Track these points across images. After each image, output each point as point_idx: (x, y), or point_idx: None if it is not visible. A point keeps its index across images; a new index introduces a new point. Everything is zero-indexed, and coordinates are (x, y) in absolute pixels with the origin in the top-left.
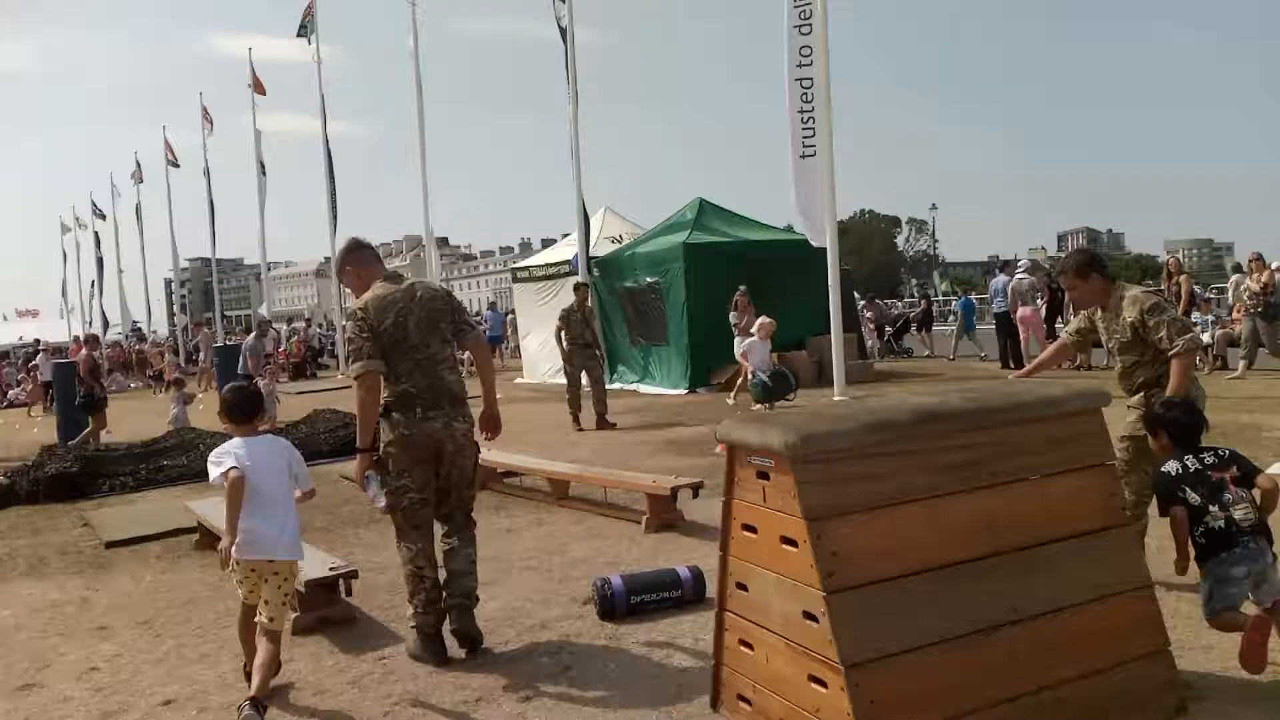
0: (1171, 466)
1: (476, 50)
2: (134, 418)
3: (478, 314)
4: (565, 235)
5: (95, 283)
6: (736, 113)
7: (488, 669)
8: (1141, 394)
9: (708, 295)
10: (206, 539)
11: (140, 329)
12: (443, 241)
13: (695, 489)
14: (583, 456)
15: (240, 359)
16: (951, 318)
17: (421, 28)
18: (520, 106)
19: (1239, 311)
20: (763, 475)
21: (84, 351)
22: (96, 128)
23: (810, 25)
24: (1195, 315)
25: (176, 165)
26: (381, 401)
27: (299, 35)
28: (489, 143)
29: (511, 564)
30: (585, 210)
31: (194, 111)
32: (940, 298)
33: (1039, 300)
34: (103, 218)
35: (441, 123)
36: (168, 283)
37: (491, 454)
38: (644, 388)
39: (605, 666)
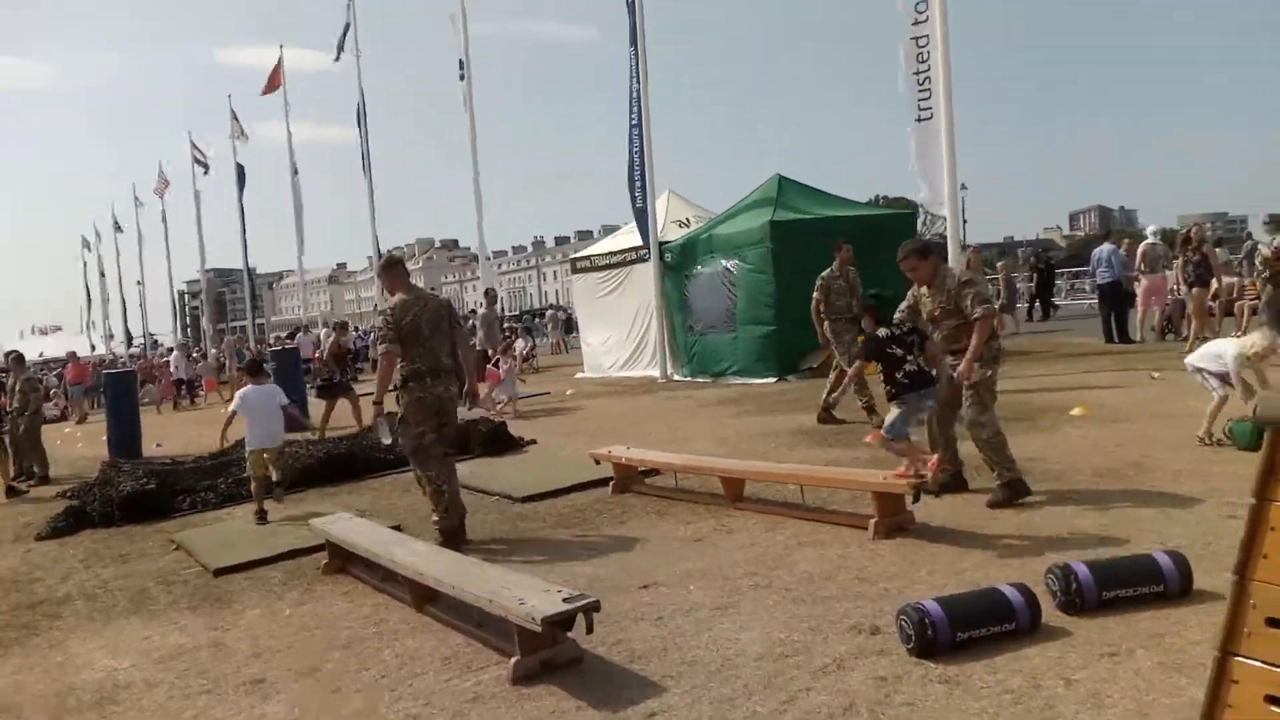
0: (883, 332)
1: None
2: (183, 428)
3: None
4: (607, 228)
5: (114, 297)
6: (801, 84)
7: None
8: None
9: (797, 277)
10: (339, 560)
11: (157, 341)
12: (452, 243)
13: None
14: (710, 450)
15: (476, 331)
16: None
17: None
18: (507, 111)
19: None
20: None
21: (334, 337)
22: (116, 146)
23: None
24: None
25: (206, 169)
26: (401, 374)
27: (338, 58)
28: (500, 146)
29: (736, 582)
30: (652, 192)
31: (206, 126)
32: None
33: (1166, 270)
34: (120, 231)
35: (434, 126)
36: (181, 295)
37: (631, 452)
38: (725, 378)
39: None
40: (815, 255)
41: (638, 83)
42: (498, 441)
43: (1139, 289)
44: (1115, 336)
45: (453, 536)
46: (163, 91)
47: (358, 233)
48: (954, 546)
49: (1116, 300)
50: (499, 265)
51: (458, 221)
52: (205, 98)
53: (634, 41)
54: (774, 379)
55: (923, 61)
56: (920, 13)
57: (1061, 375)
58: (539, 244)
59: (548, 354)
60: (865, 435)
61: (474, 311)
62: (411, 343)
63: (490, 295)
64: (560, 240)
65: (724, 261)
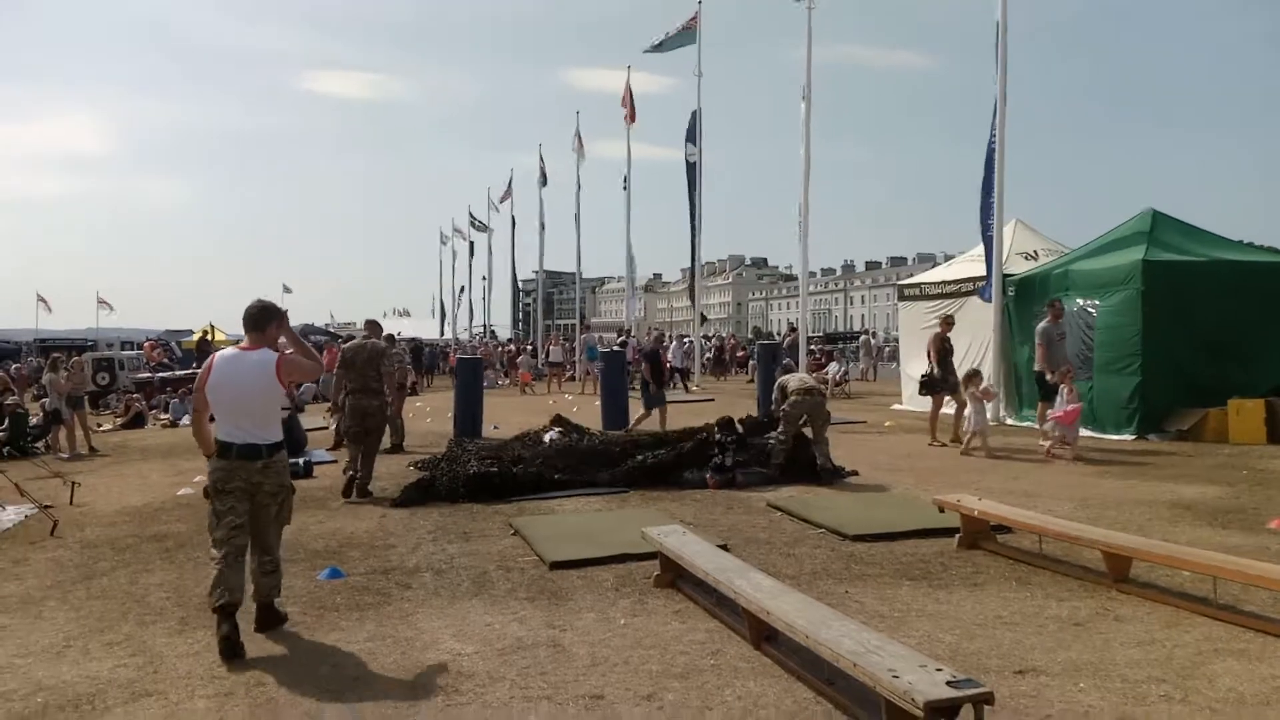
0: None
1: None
2: (516, 415)
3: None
4: (950, 256)
5: (465, 288)
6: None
7: None
8: None
9: (1167, 324)
10: (670, 574)
11: (494, 331)
12: (762, 261)
13: None
14: (1068, 513)
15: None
16: None
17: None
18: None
19: None
20: None
21: (939, 330)
22: (470, 154)
23: None
24: None
25: (544, 183)
26: (345, 389)
27: (655, 49)
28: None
29: (1139, 687)
30: (1000, 220)
31: (553, 140)
32: None
33: None
34: (478, 229)
35: (739, 146)
36: (516, 292)
37: (985, 504)
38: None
39: None
40: (1194, 301)
41: (997, 102)
42: (819, 469)
43: None
44: None
45: (350, 488)
46: (517, 107)
47: (670, 245)
48: None
49: None
50: (810, 286)
51: (767, 239)
52: (553, 114)
53: (998, 52)
54: (1132, 436)
55: None
56: None
57: None
58: (849, 267)
59: (859, 380)
60: (1270, 520)
61: (791, 329)
62: (351, 371)
63: (1055, 308)
64: (871, 265)
65: (1081, 301)
